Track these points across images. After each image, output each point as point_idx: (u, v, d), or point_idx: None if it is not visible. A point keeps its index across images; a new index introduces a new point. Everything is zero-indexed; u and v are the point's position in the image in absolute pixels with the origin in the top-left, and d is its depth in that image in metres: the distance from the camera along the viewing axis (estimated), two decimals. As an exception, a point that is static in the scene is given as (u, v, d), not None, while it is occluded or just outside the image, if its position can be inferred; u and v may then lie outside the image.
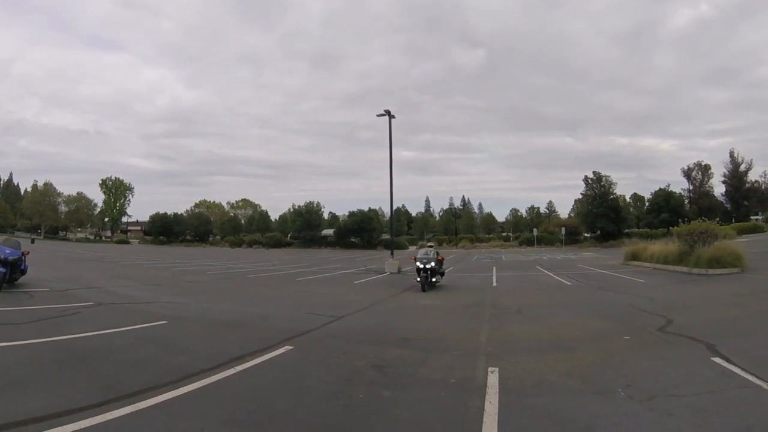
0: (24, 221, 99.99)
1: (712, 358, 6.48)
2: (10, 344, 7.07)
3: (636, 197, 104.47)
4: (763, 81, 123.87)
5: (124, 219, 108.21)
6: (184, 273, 24.25)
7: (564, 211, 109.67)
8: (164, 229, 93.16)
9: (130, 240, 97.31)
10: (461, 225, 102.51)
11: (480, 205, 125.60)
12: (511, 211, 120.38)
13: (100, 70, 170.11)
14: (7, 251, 13.46)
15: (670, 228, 25.03)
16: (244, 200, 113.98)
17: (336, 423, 4.39)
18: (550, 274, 23.25)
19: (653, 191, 77.67)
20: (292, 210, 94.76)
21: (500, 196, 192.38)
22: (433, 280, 16.70)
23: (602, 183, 73.05)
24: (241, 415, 4.56)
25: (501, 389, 5.25)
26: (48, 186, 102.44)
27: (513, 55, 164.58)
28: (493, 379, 5.65)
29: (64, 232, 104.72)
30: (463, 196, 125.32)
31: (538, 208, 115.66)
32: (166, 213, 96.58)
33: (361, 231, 78.13)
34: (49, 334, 7.83)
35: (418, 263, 16.61)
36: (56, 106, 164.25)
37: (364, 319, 10.52)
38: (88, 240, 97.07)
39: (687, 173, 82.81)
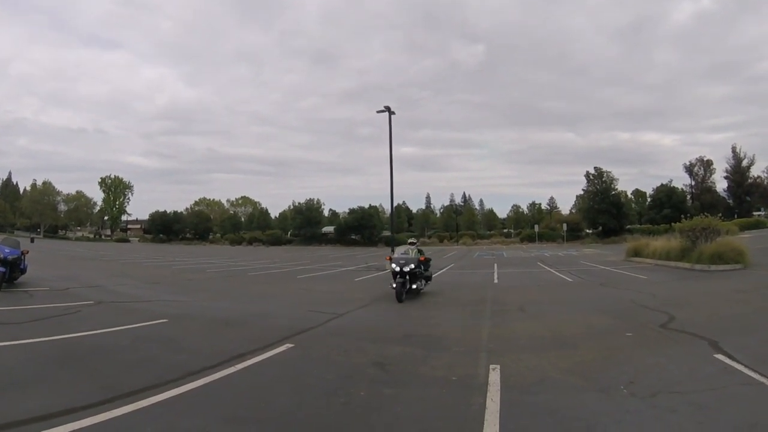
0: (23, 220, 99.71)
1: (715, 355, 6.45)
2: (11, 344, 7.07)
3: (638, 193, 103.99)
4: (765, 75, 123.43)
5: (124, 217, 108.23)
6: (184, 271, 24.22)
7: (565, 207, 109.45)
8: (164, 228, 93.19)
9: (130, 238, 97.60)
10: (462, 221, 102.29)
11: (481, 201, 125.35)
12: (512, 207, 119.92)
13: (99, 68, 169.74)
14: (7, 250, 13.47)
15: (672, 224, 24.91)
16: (243, 198, 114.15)
17: (336, 421, 4.39)
18: (551, 270, 23.17)
19: (655, 187, 77.87)
20: (292, 207, 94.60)
21: (501, 192, 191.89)
22: (414, 286, 13.23)
23: (604, 179, 72.81)
24: (242, 413, 4.56)
25: (503, 387, 5.24)
26: (47, 185, 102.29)
27: (513, 50, 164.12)
28: (494, 376, 5.63)
29: (64, 231, 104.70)
30: (464, 193, 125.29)
31: (540, 204, 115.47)
32: (165, 211, 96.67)
33: (362, 228, 78.05)
34: (50, 333, 7.83)
35: (393, 265, 13.16)
36: (55, 105, 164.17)
37: (365, 317, 10.52)
38: (87, 239, 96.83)
39: (689, 169, 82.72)
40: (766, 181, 78.64)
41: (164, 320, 9.52)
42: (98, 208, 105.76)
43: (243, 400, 4.92)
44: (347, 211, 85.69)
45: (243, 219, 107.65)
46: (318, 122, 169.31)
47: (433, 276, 20.57)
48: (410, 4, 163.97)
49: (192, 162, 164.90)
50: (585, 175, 74.91)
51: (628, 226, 71.02)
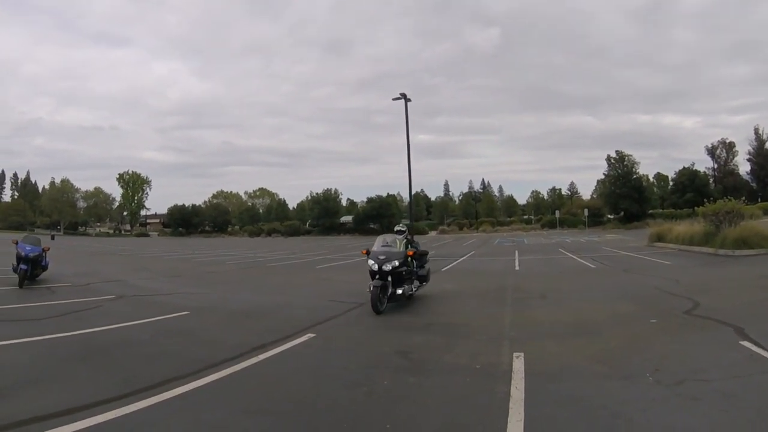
0: (43, 218, 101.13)
1: (741, 342, 6.32)
2: (32, 340, 7.12)
3: (659, 177, 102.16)
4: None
5: (143, 212, 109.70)
6: (204, 264, 24.41)
7: (586, 192, 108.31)
8: (183, 221, 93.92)
9: (150, 233, 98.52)
10: (481, 208, 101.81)
11: (500, 187, 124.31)
12: (532, 193, 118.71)
13: (110, 66, 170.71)
14: (28, 248, 13.63)
15: (695, 208, 24.59)
16: (261, 189, 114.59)
17: (360, 410, 4.39)
18: (573, 257, 22.98)
19: (677, 170, 76.67)
20: (309, 198, 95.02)
21: (520, 178, 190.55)
22: (399, 291, 9.85)
23: (625, 162, 71.90)
24: (264, 404, 4.58)
25: (527, 374, 5.20)
26: (66, 182, 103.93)
27: (528, 33, 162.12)
28: (518, 364, 5.59)
29: (84, 228, 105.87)
30: (483, 179, 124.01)
31: (560, 189, 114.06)
32: (184, 205, 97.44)
33: (380, 217, 78.06)
34: (71, 329, 7.89)
35: (370, 262, 10.00)
36: (69, 104, 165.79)
37: (387, 306, 10.45)
38: (107, 234, 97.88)
39: (711, 151, 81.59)
40: (790, 163, 77.20)
41: (185, 313, 9.58)
42: (117, 203, 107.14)
43: (265, 391, 4.95)
44: (365, 200, 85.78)
45: (261, 211, 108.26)
46: (332, 112, 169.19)
47: (452, 265, 20.66)
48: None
49: (207, 155, 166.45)
50: (606, 159, 74.14)
51: (650, 211, 70.39)
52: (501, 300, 10.91)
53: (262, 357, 6.16)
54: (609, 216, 74.00)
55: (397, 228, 11.40)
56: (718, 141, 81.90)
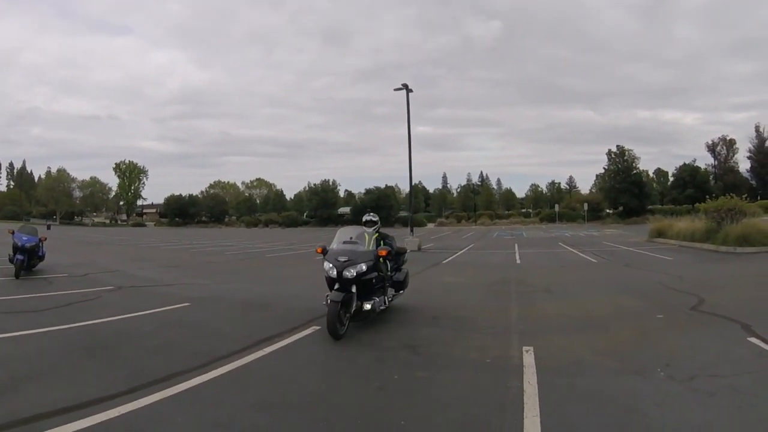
0: (39, 208, 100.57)
1: (748, 338, 6.32)
2: (32, 332, 7.00)
3: (659, 172, 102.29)
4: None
5: (139, 202, 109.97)
6: (202, 254, 24.32)
7: (585, 186, 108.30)
8: (180, 211, 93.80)
9: (146, 223, 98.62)
10: (480, 201, 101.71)
11: (498, 180, 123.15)
12: (531, 186, 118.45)
13: (109, 55, 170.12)
14: (24, 238, 13.53)
15: (696, 204, 24.60)
16: (258, 180, 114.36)
17: (373, 405, 4.34)
18: (574, 251, 23.00)
19: (677, 166, 76.68)
20: (307, 188, 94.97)
21: (519, 171, 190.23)
22: (367, 307, 7.36)
23: (625, 157, 72.00)
24: (274, 399, 4.50)
25: (538, 369, 5.16)
26: (62, 172, 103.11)
27: (530, 26, 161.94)
28: (528, 358, 5.55)
29: (80, 218, 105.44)
30: (481, 172, 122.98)
31: (559, 183, 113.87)
32: (181, 195, 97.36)
33: (378, 208, 77.77)
34: (71, 321, 7.77)
35: (327, 265, 7.41)
36: (67, 93, 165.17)
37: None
38: (104, 224, 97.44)
39: (711, 148, 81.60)
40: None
41: (187, 304, 9.47)
42: (113, 193, 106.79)
43: (274, 385, 4.88)
44: (363, 191, 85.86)
45: (258, 201, 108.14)
46: (331, 102, 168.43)
47: (453, 258, 20.60)
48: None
49: (206, 145, 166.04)
50: (607, 154, 74.27)
51: (650, 207, 70.45)
52: (505, 293, 10.84)
53: (268, 350, 6.09)
54: (608, 211, 74.13)
55: (366, 218, 8.64)
56: (719, 138, 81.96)
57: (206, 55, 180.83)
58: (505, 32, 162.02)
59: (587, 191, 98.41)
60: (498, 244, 31.19)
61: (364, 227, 8.35)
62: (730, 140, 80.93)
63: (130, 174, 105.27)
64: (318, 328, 7.30)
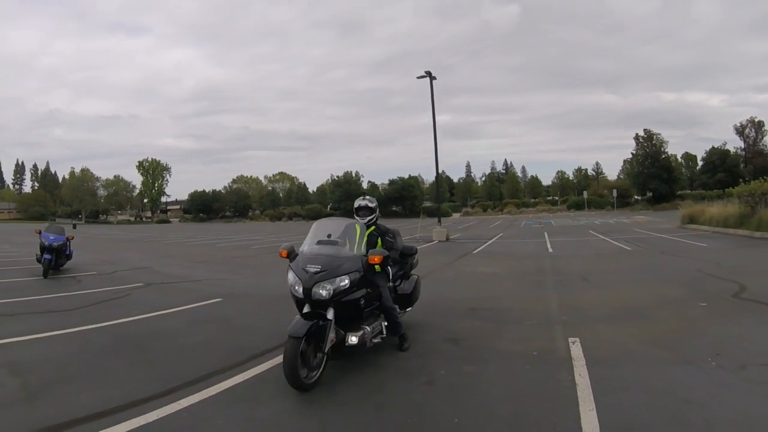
0: (64, 208, 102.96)
1: (796, 326, 6.13)
2: (61, 333, 6.93)
3: (687, 156, 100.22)
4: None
5: (163, 199, 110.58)
6: (228, 248, 24.27)
7: (611, 172, 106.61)
8: (203, 207, 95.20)
9: (171, 219, 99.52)
10: (505, 190, 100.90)
11: (523, 168, 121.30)
12: (557, 173, 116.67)
13: (126, 55, 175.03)
14: (51, 237, 13.67)
15: (727, 189, 24.07)
16: (281, 173, 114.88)
17: (423, 401, 4.28)
18: (605, 239, 22.66)
19: (707, 150, 75.16)
20: (330, 181, 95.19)
21: (544, 158, 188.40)
22: (353, 340, 5.04)
23: (653, 141, 70.71)
24: (322, 397, 4.40)
25: (587, 361, 5.08)
26: (86, 172, 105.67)
27: (547, 9, 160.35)
28: (576, 350, 5.46)
29: (105, 216, 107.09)
30: (506, 160, 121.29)
31: (586, 169, 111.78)
32: (204, 190, 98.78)
33: (403, 199, 78.16)
34: (101, 320, 7.66)
35: (290, 277, 5.20)
36: (87, 94, 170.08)
37: (424, 290, 9.91)
38: (129, 222, 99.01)
39: (739, 131, 79.34)
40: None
41: (218, 299, 9.41)
42: (137, 191, 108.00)
43: (319, 383, 4.68)
44: (387, 182, 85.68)
45: (281, 195, 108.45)
46: (349, 94, 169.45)
47: (483, 247, 20.44)
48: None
49: (226, 141, 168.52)
50: (634, 138, 73.11)
51: (679, 192, 69.19)
52: (542, 283, 10.69)
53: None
54: (636, 197, 73.01)
55: (358, 203, 6.44)
56: (747, 120, 79.64)
57: (222, 52, 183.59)
58: (522, 16, 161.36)
59: (614, 177, 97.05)
60: (527, 233, 30.88)
61: (356, 218, 6.16)
62: (759, 122, 78.59)
63: (153, 171, 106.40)
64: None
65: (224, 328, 7.23)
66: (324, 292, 4.80)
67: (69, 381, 4.93)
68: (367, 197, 6.49)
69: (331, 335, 4.78)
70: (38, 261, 13.62)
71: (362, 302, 5.15)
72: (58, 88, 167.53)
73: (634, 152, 73.62)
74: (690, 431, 3.59)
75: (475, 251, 18.85)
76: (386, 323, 5.65)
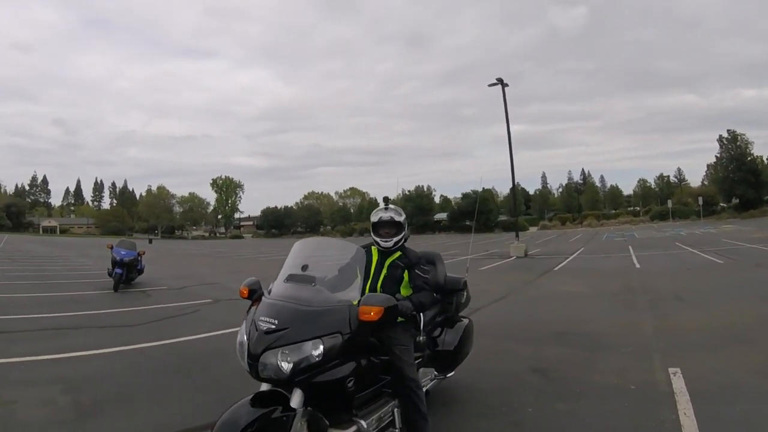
0: (141, 223, 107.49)
1: None
2: (122, 349, 6.87)
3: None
4: None
5: (237, 215, 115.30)
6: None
7: (693, 179, 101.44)
8: (276, 223, 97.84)
9: (244, 235, 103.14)
10: (584, 201, 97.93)
11: (602, 177, 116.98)
12: (638, 181, 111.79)
13: (198, 77, 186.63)
14: (123, 252, 13.98)
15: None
16: (351, 189, 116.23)
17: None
18: (694, 251, 21.49)
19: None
20: (401, 195, 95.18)
21: (623, 166, 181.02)
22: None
23: (738, 143, 66.75)
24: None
25: (691, 396, 4.58)
26: (162, 189, 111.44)
27: (617, 9, 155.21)
28: (678, 383, 4.96)
29: (180, 231, 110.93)
30: (583, 169, 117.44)
31: (668, 177, 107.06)
32: (276, 207, 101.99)
33: (477, 213, 76.79)
34: (165, 336, 7.62)
35: (240, 334, 3.20)
36: (161, 116, 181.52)
37: (505, 311, 9.73)
38: (203, 237, 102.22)
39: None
40: None
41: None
42: (211, 207, 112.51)
43: None
44: (460, 196, 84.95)
45: (352, 210, 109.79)
46: (418, 107, 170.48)
47: (564, 264, 19.76)
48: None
49: (297, 158, 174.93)
50: (718, 140, 69.48)
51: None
52: (632, 303, 10.04)
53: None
54: (722, 204, 69.04)
55: (378, 216, 4.21)
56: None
57: (291, 71, 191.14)
58: (591, 18, 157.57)
59: (698, 184, 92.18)
60: (609, 247, 29.72)
61: (375, 240, 4.18)
62: None
63: (227, 189, 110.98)
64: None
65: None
66: (283, 365, 2.89)
67: (123, 401, 4.82)
68: (392, 206, 4.24)
69: (307, 420, 3.03)
70: (109, 275, 13.93)
71: (350, 383, 3.13)
72: (133, 110, 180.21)
73: (718, 155, 69.90)
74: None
75: (556, 268, 18.20)
76: (402, 408, 3.55)
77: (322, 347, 2.95)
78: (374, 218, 4.16)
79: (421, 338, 3.96)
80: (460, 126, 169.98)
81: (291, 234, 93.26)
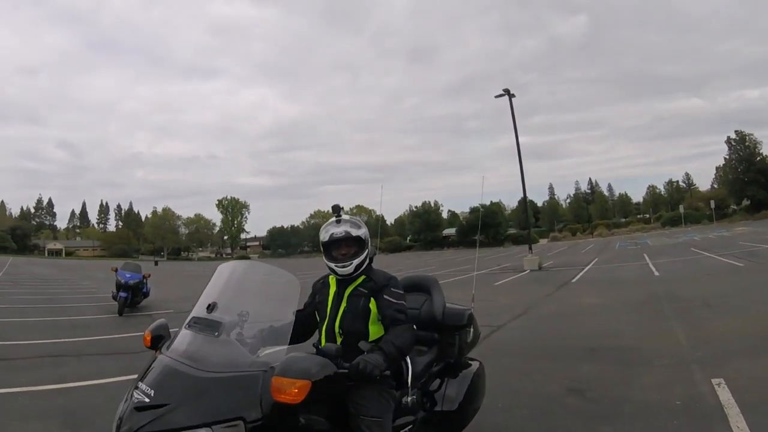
0: (147, 245, 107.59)
1: None
2: (126, 378, 6.00)
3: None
4: None
5: (243, 235, 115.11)
6: (307, 284, 23.87)
7: (702, 183, 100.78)
8: (282, 242, 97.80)
9: (250, 255, 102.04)
10: (593, 210, 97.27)
11: (609, 186, 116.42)
12: (648, 188, 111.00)
13: (202, 97, 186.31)
14: (128, 275, 13.65)
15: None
16: (358, 206, 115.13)
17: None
18: (711, 255, 21.17)
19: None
20: (408, 211, 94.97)
21: (630, 173, 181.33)
22: None
23: (746, 143, 66.46)
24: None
25: (740, 408, 4.31)
26: (167, 210, 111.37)
27: (617, 14, 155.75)
28: (724, 395, 4.68)
29: (186, 253, 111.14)
30: (590, 179, 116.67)
31: (677, 182, 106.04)
32: (282, 226, 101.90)
33: (485, 227, 76.46)
34: None
35: (119, 410, 2.28)
36: (166, 136, 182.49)
37: (529, 328, 9.47)
38: (209, 258, 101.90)
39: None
40: None
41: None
42: (217, 228, 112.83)
43: None
44: (467, 210, 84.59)
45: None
46: (422, 121, 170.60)
47: (581, 275, 19.53)
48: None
49: (302, 176, 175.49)
50: (726, 142, 69.53)
51: (779, 197, 64.22)
52: (660, 313, 9.71)
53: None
54: (734, 206, 68.55)
55: (329, 232, 3.16)
56: None
57: (295, 89, 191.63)
58: (592, 26, 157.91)
59: (707, 188, 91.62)
60: (624, 255, 29.43)
61: (328, 265, 3.14)
62: None
63: (233, 209, 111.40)
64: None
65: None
66: None
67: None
68: (345, 217, 3.27)
69: None
70: (114, 299, 13.59)
71: None
72: (139, 131, 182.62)
73: (726, 157, 69.65)
74: None
75: (573, 280, 17.92)
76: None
77: None
78: (324, 236, 3.12)
79: (409, 398, 2.90)
80: (465, 139, 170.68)
81: (298, 254, 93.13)
